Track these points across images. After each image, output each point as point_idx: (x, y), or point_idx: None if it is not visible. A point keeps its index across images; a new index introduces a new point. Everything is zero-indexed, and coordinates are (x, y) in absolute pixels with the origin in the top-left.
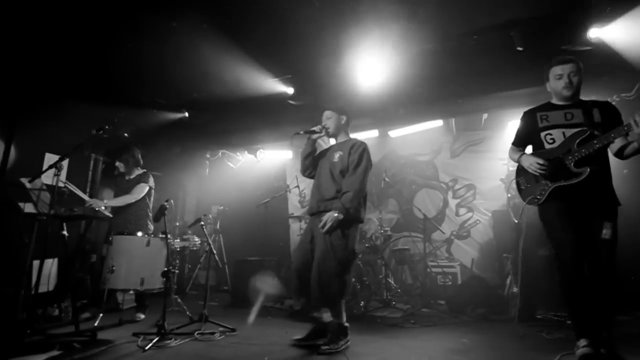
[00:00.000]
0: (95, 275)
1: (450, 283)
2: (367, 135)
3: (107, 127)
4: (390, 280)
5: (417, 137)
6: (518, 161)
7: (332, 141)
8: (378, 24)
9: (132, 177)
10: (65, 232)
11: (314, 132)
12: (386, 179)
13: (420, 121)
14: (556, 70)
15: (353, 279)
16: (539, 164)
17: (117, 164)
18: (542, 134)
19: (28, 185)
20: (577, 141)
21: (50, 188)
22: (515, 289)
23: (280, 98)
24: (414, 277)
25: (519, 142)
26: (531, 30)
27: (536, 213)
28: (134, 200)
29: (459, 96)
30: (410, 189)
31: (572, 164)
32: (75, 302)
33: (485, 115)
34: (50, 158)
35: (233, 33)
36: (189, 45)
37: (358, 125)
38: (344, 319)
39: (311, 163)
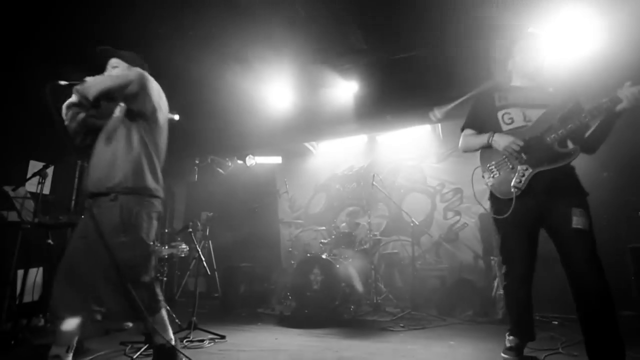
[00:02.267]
0: None
1: (439, 286)
2: (356, 140)
3: None
4: (380, 284)
5: (405, 142)
6: (488, 143)
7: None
8: (363, 31)
9: None
10: (50, 241)
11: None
12: (374, 183)
13: (407, 126)
14: (522, 44)
15: (343, 284)
16: (518, 143)
17: None
18: (500, 113)
19: (11, 194)
20: (558, 116)
21: (34, 196)
22: (502, 291)
23: (270, 105)
24: (404, 280)
25: (473, 125)
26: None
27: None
28: None
29: (444, 102)
30: (399, 193)
31: (555, 143)
32: None
33: None
34: (34, 165)
35: (220, 38)
36: (176, 51)
37: (346, 131)
38: (168, 335)
39: (79, 125)
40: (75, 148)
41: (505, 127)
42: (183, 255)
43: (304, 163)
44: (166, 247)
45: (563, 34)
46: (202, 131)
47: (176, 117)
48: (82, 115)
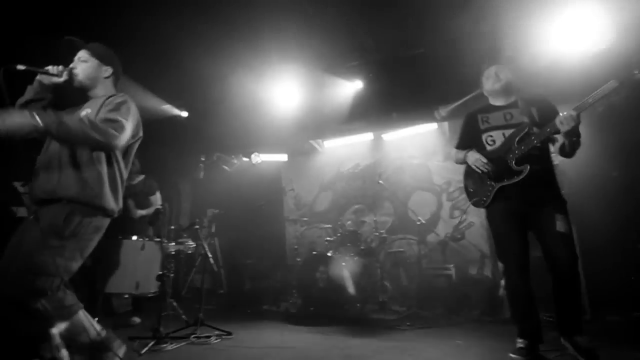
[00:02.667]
0: (89, 278)
1: (445, 285)
2: (361, 139)
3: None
4: (386, 283)
5: (411, 140)
6: (464, 159)
7: None
8: (368, 29)
9: (133, 183)
10: None
11: (47, 72)
12: (380, 181)
13: (414, 124)
14: (485, 74)
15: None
16: (482, 161)
17: None
18: (484, 136)
19: (21, 190)
20: (517, 139)
21: None
22: None
23: (276, 102)
24: (410, 279)
25: (463, 145)
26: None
27: None
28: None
29: (450, 100)
30: (405, 192)
31: (513, 161)
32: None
33: None
34: None
35: (229, 38)
36: (186, 50)
37: (352, 129)
38: (92, 332)
39: None
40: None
41: (488, 148)
42: (190, 252)
43: (309, 161)
44: (173, 243)
45: (570, 30)
46: (208, 129)
47: (184, 114)
48: (38, 104)
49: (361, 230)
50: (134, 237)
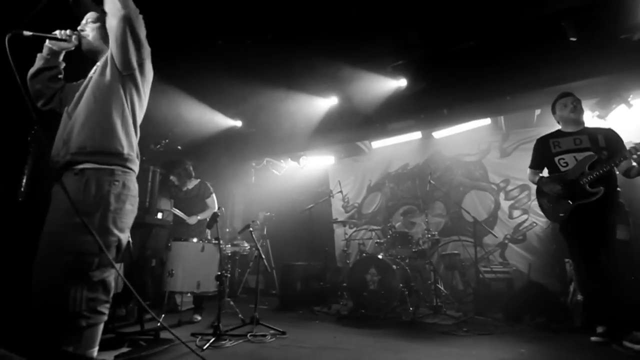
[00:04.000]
0: (155, 278)
1: (505, 289)
2: (409, 138)
3: (163, 141)
4: (439, 286)
5: (463, 137)
6: (538, 184)
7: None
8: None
9: (189, 187)
10: (130, 239)
11: (55, 37)
12: (432, 181)
13: (466, 120)
14: (561, 101)
15: (400, 285)
16: (558, 188)
17: (172, 177)
18: (556, 159)
19: None
20: (588, 165)
21: None
22: (580, 297)
23: (323, 106)
24: (465, 283)
25: (536, 166)
26: (584, 18)
27: None
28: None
29: (507, 93)
30: (458, 191)
31: (587, 185)
32: (140, 303)
33: (538, 111)
34: None
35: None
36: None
37: (399, 128)
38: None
39: (45, 85)
40: (37, 112)
41: (562, 169)
42: (244, 254)
43: (356, 162)
44: (229, 245)
45: None
46: (258, 135)
47: (239, 123)
48: (50, 73)
49: (412, 232)
50: (195, 240)
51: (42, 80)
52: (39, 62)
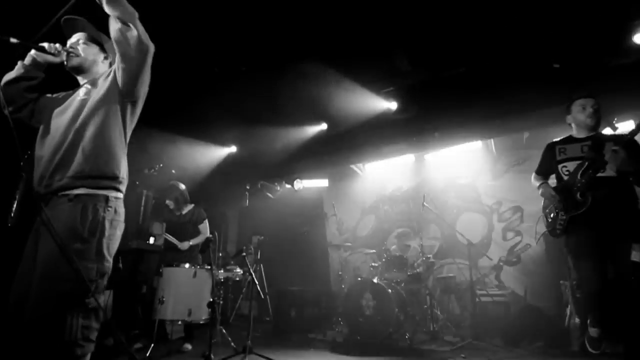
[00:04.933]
0: (146, 305)
1: (502, 313)
2: (402, 160)
3: (157, 166)
4: (436, 311)
5: (455, 159)
6: (538, 189)
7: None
8: (407, 50)
9: (183, 212)
10: (120, 265)
11: (43, 48)
12: (425, 204)
13: (457, 143)
14: (580, 102)
15: (396, 310)
16: (552, 194)
17: (168, 201)
18: (559, 167)
19: None
20: (580, 172)
21: None
22: (577, 320)
23: (316, 130)
24: (462, 307)
25: (541, 172)
26: (565, 46)
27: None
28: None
29: (495, 116)
30: (452, 213)
31: (577, 193)
32: (128, 333)
33: (526, 134)
34: None
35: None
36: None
37: (392, 151)
38: None
39: (20, 93)
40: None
41: (565, 178)
42: (237, 279)
43: (351, 185)
44: (222, 270)
45: None
46: (252, 158)
47: (233, 148)
48: (27, 83)
49: (407, 255)
50: (187, 265)
51: (17, 89)
52: (18, 70)
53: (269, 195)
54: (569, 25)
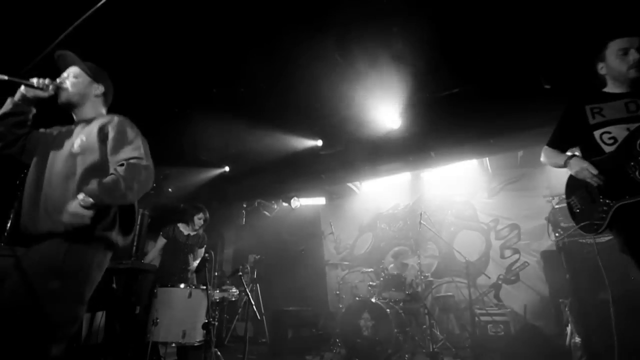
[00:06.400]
0: (139, 327)
1: (502, 333)
2: (399, 179)
3: (153, 184)
4: (435, 331)
5: (451, 177)
6: (565, 165)
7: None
8: (402, 72)
9: (192, 234)
10: (114, 285)
11: (32, 85)
12: (422, 222)
13: (453, 162)
14: (619, 44)
15: (395, 330)
16: (591, 172)
17: (180, 225)
18: (597, 133)
19: None
20: (639, 142)
21: None
22: (577, 339)
23: (312, 149)
24: (462, 326)
25: (560, 142)
26: (556, 68)
27: (588, 249)
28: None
29: (489, 136)
30: (449, 231)
31: (637, 172)
32: (121, 356)
33: (520, 153)
34: None
35: (265, 95)
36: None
37: (389, 170)
38: None
39: (8, 129)
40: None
41: (607, 149)
42: (233, 299)
43: (348, 203)
44: (217, 290)
45: None
46: (248, 176)
47: (226, 169)
48: (16, 119)
49: (405, 274)
50: (182, 285)
51: (6, 125)
52: (7, 106)
53: (266, 213)
54: (561, 46)
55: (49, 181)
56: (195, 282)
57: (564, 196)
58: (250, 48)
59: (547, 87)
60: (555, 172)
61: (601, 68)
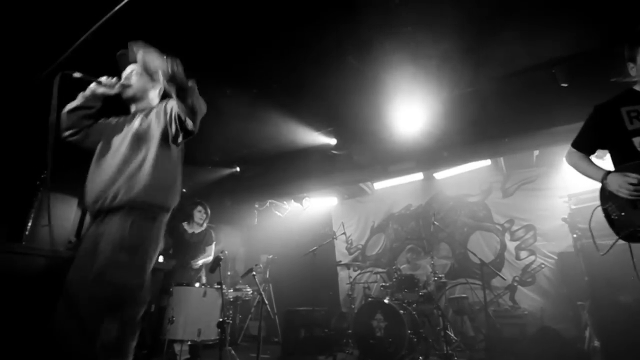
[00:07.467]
0: (153, 325)
1: (518, 335)
2: (411, 179)
3: None
4: (449, 332)
5: (465, 177)
6: (602, 182)
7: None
8: (415, 72)
9: (196, 232)
10: None
11: (101, 82)
12: (435, 222)
13: (466, 162)
14: None
15: (408, 331)
16: (632, 184)
17: (185, 224)
18: (637, 140)
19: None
20: None
21: None
22: (596, 343)
23: (324, 149)
24: (476, 328)
25: (589, 145)
26: (574, 65)
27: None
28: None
29: (504, 135)
30: (463, 232)
31: None
32: (137, 353)
33: (536, 152)
34: None
35: (279, 94)
36: (241, 107)
37: (401, 170)
38: None
39: (79, 120)
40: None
41: None
42: (247, 299)
43: (359, 203)
44: (231, 290)
45: None
46: (260, 177)
47: (237, 169)
48: (85, 112)
49: (417, 275)
50: (197, 284)
51: (77, 116)
52: (79, 100)
53: (278, 213)
54: (576, 43)
55: (111, 166)
56: (204, 281)
57: (581, 196)
58: (264, 47)
59: (564, 85)
60: (573, 172)
61: (632, 68)
